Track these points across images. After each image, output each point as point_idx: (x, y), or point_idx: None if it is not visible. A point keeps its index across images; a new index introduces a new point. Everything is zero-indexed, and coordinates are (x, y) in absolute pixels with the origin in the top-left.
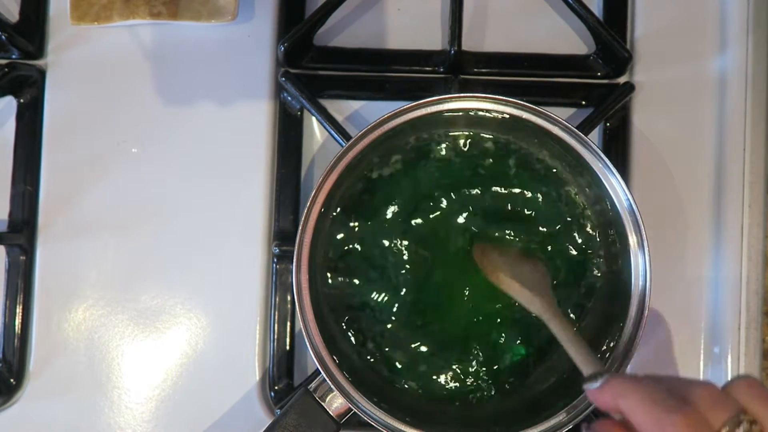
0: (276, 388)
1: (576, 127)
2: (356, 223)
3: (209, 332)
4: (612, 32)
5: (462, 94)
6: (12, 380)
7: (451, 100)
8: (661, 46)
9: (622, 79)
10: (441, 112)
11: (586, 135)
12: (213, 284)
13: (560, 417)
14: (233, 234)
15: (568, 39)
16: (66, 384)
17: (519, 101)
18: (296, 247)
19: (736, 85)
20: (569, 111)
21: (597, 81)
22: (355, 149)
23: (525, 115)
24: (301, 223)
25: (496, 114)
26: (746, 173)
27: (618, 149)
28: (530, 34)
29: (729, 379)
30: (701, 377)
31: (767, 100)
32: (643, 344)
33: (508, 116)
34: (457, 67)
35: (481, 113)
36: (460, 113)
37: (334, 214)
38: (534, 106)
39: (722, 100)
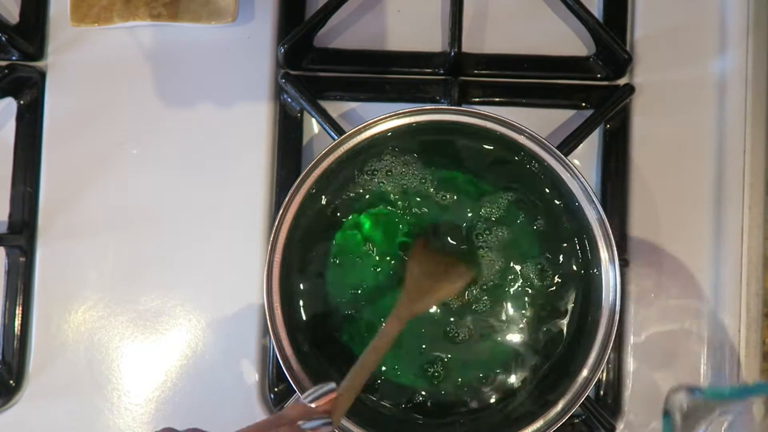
0: (276, 389)
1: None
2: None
3: (209, 334)
4: (612, 34)
5: (430, 107)
6: (11, 382)
7: (419, 113)
8: (661, 48)
9: (622, 81)
10: (410, 124)
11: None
12: (213, 286)
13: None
14: (233, 235)
15: (568, 41)
16: (65, 385)
17: (477, 110)
18: (266, 268)
19: (736, 87)
20: (569, 113)
21: (597, 83)
22: (316, 172)
23: (487, 124)
24: (270, 242)
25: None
26: (746, 175)
27: (618, 151)
28: (530, 36)
29: (729, 381)
30: (702, 380)
31: (767, 102)
32: (645, 346)
33: (472, 127)
34: (457, 68)
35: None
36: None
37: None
38: (497, 116)
39: (722, 101)
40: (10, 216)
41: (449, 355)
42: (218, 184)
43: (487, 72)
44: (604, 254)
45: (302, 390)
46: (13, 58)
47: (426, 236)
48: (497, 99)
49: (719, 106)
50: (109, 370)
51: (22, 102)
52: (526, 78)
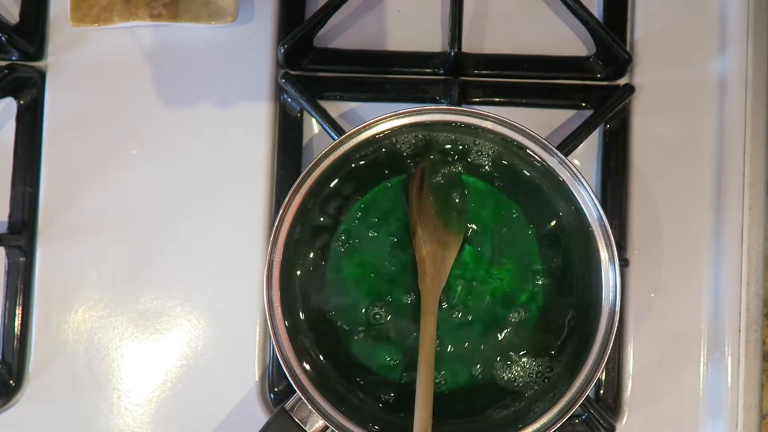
0: (276, 389)
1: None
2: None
3: (209, 334)
4: (612, 34)
5: (430, 107)
6: (11, 382)
7: (419, 113)
8: (661, 48)
9: (622, 81)
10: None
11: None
12: (213, 286)
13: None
14: (233, 236)
15: (568, 41)
16: (65, 386)
17: (477, 110)
18: (266, 267)
19: (736, 87)
20: (569, 113)
21: (597, 83)
22: (316, 172)
23: (487, 124)
24: (270, 242)
25: (459, 124)
26: (746, 175)
27: (618, 151)
28: (530, 36)
29: (730, 381)
30: (701, 379)
31: (767, 102)
32: (644, 347)
33: (464, 125)
34: (457, 68)
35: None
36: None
37: (304, 232)
38: (497, 116)
39: (722, 101)
40: (10, 216)
41: (450, 354)
42: (218, 184)
43: (487, 72)
44: (604, 254)
45: (302, 389)
46: (13, 58)
47: (422, 173)
48: (497, 99)
49: (719, 106)
50: (109, 370)
51: (22, 102)
52: (526, 78)
